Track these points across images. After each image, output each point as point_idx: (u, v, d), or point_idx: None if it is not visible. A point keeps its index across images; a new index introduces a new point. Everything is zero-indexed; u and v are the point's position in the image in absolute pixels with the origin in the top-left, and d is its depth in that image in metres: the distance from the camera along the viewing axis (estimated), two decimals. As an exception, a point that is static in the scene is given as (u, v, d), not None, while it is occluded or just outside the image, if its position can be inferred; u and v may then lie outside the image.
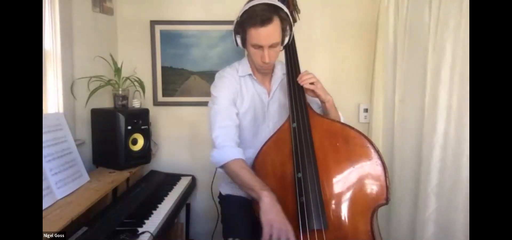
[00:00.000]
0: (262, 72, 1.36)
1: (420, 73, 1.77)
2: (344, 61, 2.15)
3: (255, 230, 1.31)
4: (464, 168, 1.61)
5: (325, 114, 1.32)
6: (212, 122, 1.29)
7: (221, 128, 1.26)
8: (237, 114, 1.34)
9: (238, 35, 1.28)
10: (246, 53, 1.35)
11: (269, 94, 1.38)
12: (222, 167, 1.24)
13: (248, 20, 1.20)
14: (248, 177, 1.16)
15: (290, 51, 1.34)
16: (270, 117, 1.37)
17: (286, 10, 1.24)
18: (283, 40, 1.28)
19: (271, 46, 1.23)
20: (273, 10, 1.20)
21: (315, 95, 1.27)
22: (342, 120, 1.33)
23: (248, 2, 1.24)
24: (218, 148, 1.25)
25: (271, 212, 1.06)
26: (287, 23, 1.26)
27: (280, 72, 1.40)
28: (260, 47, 1.23)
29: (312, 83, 1.25)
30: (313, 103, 1.34)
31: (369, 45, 2.10)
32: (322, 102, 1.30)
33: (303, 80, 1.25)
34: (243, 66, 1.38)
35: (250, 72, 1.36)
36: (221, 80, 1.35)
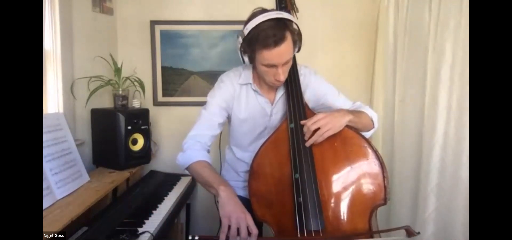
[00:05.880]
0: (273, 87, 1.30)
1: (420, 73, 1.77)
2: (344, 61, 2.15)
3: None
4: (464, 168, 1.61)
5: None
6: (194, 124, 1.31)
7: (195, 136, 1.28)
8: (230, 119, 1.35)
9: (246, 54, 1.18)
10: None
11: (272, 102, 1.33)
12: (187, 168, 1.25)
13: (258, 41, 1.10)
14: (208, 174, 1.17)
15: None
16: (271, 126, 1.33)
17: (295, 20, 1.16)
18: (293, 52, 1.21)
19: (285, 63, 1.16)
20: (284, 25, 1.11)
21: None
22: (374, 117, 1.29)
23: (253, 17, 1.13)
24: (183, 151, 1.26)
25: (228, 205, 1.05)
26: (297, 36, 1.17)
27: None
28: (273, 66, 1.15)
29: (318, 129, 1.11)
30: (311, 101, 1.33)
31: (369, 45, 2.10)
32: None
33: (307, 137, 1.13)
34: (246, 73, 1.32)
35: (251, 81, 1.31)
36: (218, 86, 1.34)
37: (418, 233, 1.01)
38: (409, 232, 1.00)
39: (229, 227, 1.01)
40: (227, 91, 1.32)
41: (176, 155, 1.28)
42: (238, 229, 1.01)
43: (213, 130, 1.30)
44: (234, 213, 1.02)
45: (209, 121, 1.30)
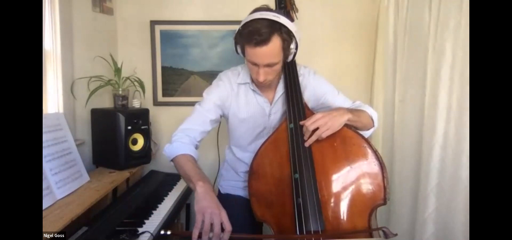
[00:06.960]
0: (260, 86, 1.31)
1: (420, 73, 1.77)
2: (344, 61, 2.15)
3: (254, 230, 1.31)
4: (464, 168, 1.61)
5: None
6: (186, 118, 1.32)
7: (185, 129, 1.29)
8: (227, 118, 1.36)
9: (238, 45, 1.21)
10: None
11: (271, 102, 1.33)
12: (172, 160, 1.26)
13: (245, 36, 1.12)
14: (190, 168, 1.17)
15: None
16: (270, 126, 1.34)
17: (291, 28, 1.14)
18: (286, 57, 1.20)
19: (268, 65, 1.15)
20: (274, 29, 1.10)
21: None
22: (374, 116, 1.29)
23: (253, 12, 1.15)
24: (171, 143, 1.27)
25: (204, 200, 1.04)
26: (290, 42, 1.16)
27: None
28: (255, 64, 1.16)
29: (317, 129, 1.11)
30: (311, 101, 1.33)
31: (369, 45, 2.10)
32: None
33: (307, 137, 1.14)
34: (245, 73, 1.33)
35: (249, 81, 1.32)
36: (216, 84, 1.35)
37: (396, 234, 1.00)
38: (387, 234, 0.99)
39: (203, 222, 1.00)
40: (225, 89, 1.33)
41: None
42: (212, 225, 1.00)
43: (205, 126, 1.31)
44: (208, 209, 1.01)
45: (202, 117, 1.31)
